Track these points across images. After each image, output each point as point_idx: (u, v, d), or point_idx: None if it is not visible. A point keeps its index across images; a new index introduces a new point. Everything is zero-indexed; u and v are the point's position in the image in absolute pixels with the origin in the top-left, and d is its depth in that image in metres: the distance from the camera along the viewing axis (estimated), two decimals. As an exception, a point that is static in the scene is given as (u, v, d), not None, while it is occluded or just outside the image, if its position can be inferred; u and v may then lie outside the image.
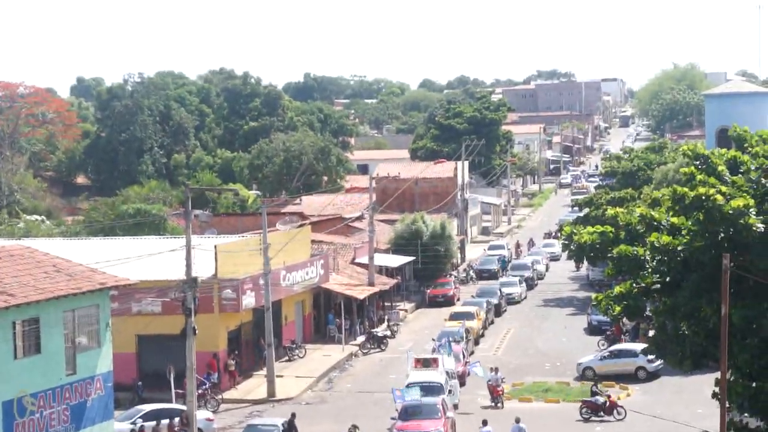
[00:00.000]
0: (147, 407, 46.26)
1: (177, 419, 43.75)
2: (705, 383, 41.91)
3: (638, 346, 57.34)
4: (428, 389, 47.49)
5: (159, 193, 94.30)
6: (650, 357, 55.53)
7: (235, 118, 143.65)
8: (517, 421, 44.34)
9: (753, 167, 33.51)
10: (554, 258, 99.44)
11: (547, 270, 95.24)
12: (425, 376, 49.35)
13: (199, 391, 48.32)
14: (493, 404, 50.78)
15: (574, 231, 65.84)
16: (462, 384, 53.67)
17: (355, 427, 42.59)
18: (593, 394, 49.44)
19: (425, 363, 51.53)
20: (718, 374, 32.68)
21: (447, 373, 50.58)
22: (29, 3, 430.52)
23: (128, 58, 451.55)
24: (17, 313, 37.13)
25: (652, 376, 56.33)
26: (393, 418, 44.90)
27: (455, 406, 49.40)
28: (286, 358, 61.18)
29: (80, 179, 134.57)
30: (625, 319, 57.91)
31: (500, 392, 51.01)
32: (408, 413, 44.46)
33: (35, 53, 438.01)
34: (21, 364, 37.46)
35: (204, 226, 68.59)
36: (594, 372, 56.82)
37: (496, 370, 52.25)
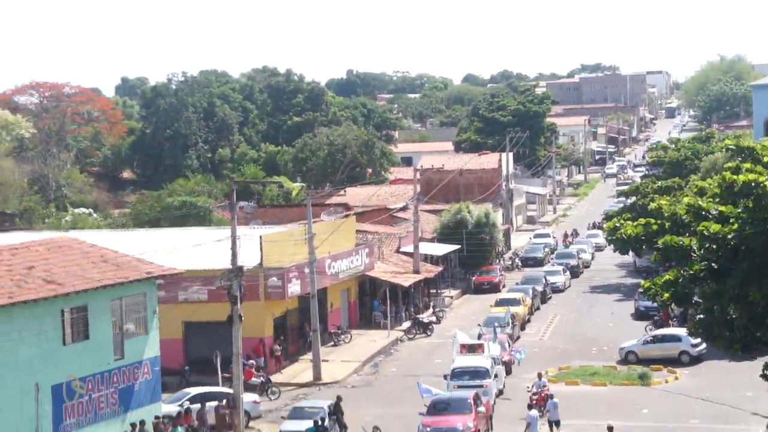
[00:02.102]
0: (194, 390, 46.72)
1: (224, 402, 44.15)
2: (753, 367, 41.60)
3: (682, 331, 57.30)
4: (474, 374, 47.59)
5: (204, 186, 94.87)
6: (694, 341, 55.61)
7: (279, 114, 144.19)
8: (529, 407, 44.23)
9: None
10: (599, 248, 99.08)
11: (592, 259, 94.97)
12: (471, 361, 49.21)
13: (260, 380, 48.98)
14: (541, 414, 44.70)
15: (617, 225, 65.97)
16: (508, 372, 53.44)
17: (376, 428, 41.52)
18: None
19: (471, 348, 51.41)
20: (765, 358, 32.53)
21: (493, 358, 50.37)
22: (75, 4, 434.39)
23: (172, 58, 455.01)
24: (65, 301, 37.72)
25: (695, 360, 56.13)
26: (421, 413, 43.27)
27: (500, 392, 49.32)
28: (332, 343, 61.49)
29: (126, 174, 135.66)
30: (673, 305, 57.98)
31: (542, 400, 45.89)
32: (437, 408, 43.15)
33: (80, 54, 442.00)
34: (70, 349, 38.06)
35: (249, 218, 68.89)
36: (637, 356, 56.78)
37: (540, 375, 49.16)
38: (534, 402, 45.32)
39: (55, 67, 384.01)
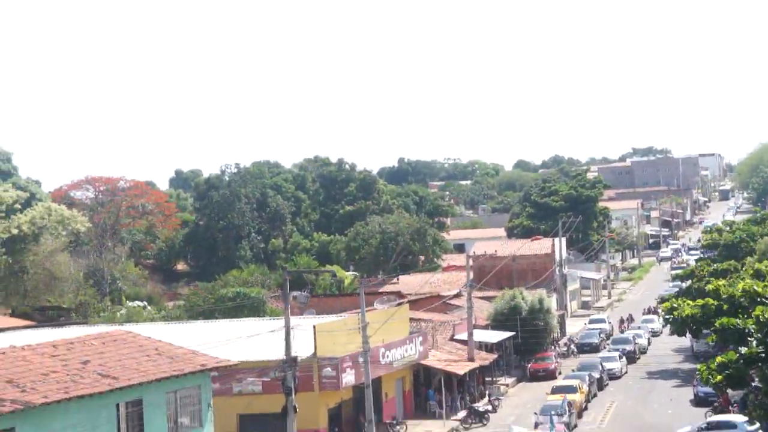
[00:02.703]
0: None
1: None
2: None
3: (738, 418, 56.39)
4: None
5: (258, 277, 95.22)
6: (750, 428, 54.60)
7: (331, 203, 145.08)
8: None
9: None
10: (655, 334, 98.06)
11: (649, 344, 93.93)
12: None
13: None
14: None
15: (675, 305, 65.42)
16: None
17: None
18: None
19: None
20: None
21: None
22: (128, 98, 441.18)
23: (225, 150, 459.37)
24: (121, 395, 37.65)
25: None
26: None
27: None
28: (388, 434, 60.96)
29: (180, 266, 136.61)
30: (731, 390, 57.02)
31: None
32: None
33: (135, 148, 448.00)
34: (125, 444, 37.86)
35: (302, 308, 69.01)
36: None
37: None
38: None
39: (109, 162, 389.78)
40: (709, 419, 58.10)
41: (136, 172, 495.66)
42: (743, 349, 33.38)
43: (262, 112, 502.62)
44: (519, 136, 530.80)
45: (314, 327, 54.67)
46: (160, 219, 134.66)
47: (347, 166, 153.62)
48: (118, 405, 37.73)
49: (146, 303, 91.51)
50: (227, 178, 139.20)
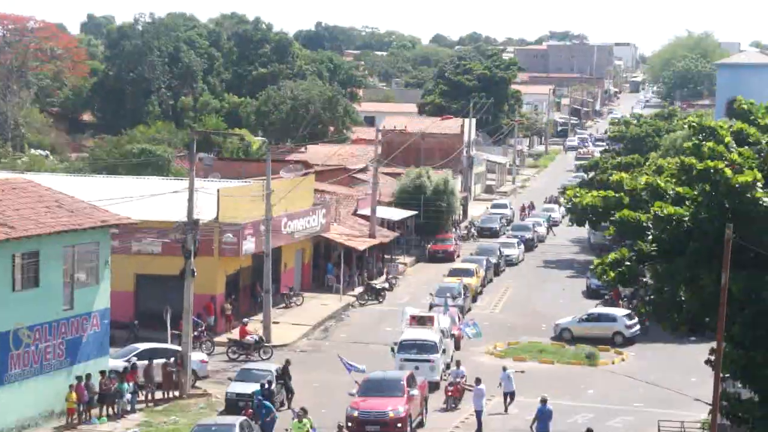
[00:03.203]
0: (142, 346, 46.30)
1: (171, 359, 43.84)
2: (699, 352, 41.95)
3: (618, 311, 58.22)
4: (422, 347, 46.74)
5: (165, 135, 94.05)
6: (628, 323, 56.70)
7: (244, 64, 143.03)
8: (504, 369, 44.92)
9: (765, 141, 33.43)
10: (554, 223, 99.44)
11: (548, 233, 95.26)
12: (420, 334, 48.04)
13: (195, 333, 48.44)
14: (445, 406, 44.16)
15: (577, 193, 66.11)
16: (457, 347, 52.93)
17: (303, 409, 38.30)
18: None
19: (420, 321, 50.57)
20: (712, 343, 32.75)
21: (442, 331, 49.61)
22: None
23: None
24: (17, 246, 37.28)
25: (629, 341, 56.83)
26: (351, 394, 40.65)
27: (448, 366, 48.38)
28: (283, 305, 61.29)
29: (86, 116, 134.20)
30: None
31: (459, 392, 44.25)
32: (367, 389, 40.33)
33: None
34: (19, 296, 37.65)
35: (208, 170, 68.43)
36: (571, 333, 57.34)
37: (458, 363, 46.32)
38: (449, 394, 43.80)
39: (19, 0, 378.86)
40: (590, 311, 59.62)
41: (47, 13, 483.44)
42: (639, 244, 33.85)
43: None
44: (438, 9, 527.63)
45: (218, 191, 54.32)
46: (69, 65, 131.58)
47: (264, 26, 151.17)
48: (13, 255, 37.38)
49: (49, 152, 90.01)
50: (140, 28, 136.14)
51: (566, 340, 56.83)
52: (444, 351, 48.19)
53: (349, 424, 36.48)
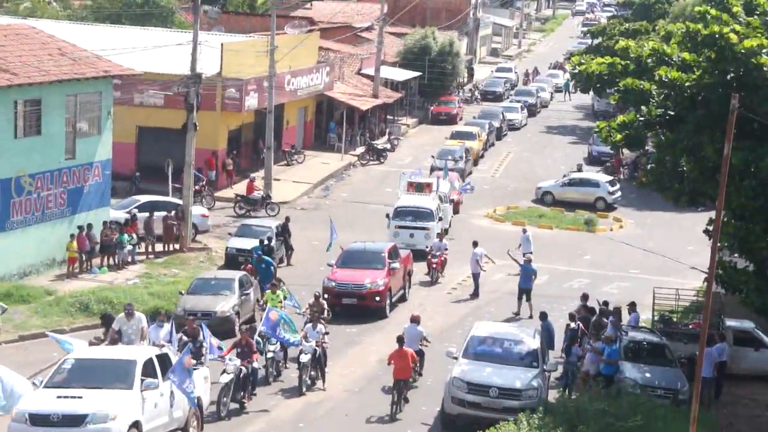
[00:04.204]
0: (143, 198, 46.44)
1: (172, 212, 44.02)
2: (698, 221, 42.22)
3: (600, 177, 58.41)
4: (417, 215, 45.72)
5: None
6: (611, 189, 57.06)
7: None
8: (524, 231, 45.06)
9: (771, 9, 33.04)
10: (558, 89, 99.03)
11: (551, 98, 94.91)
12: (416, 201, 47.10)
13: (196, 187, 48.56)
14: (429, 278, 42.88)
15: (583, 60, 65.60)
16: (456, 212, 52.82)
17: (278, 280, 37.32)
18: None
19: (418, 187, 49.84)
20: (711, 213, 32.87)
21: (440, 197, 49.10)
22: None
23: None
24: (19, 92, 37.19)
25: (610, 207, 57.18)
26: (330, 264, 39.00)
27: (445, 231, 48.20)
28: (285, 162, 61.31)
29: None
30: (625, 152, 58.45)
31: (439, 265, 42.81)
32: (347, 260, 38.65)
33: None
34: (21, 143, 37.68)
35: (212, 23, 67.68)
36: (553, 197, 57.63)
37: (441, 237, 44.68)
38: (433, 267, 42.51)
39: None
40: (572, 175, 59.60)
41: None
42: (644, 109, 33.68)
43: None
44: None
45: (222, 45, 53.86)
46: None
47: None
48: (15, 102, 37.30)
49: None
50: None
51: (548, 204, 57.14)
52: (441, 219, 47.29)
53: (326, 295, 35.18)
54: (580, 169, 61.31)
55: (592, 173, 60.69)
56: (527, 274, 39.14)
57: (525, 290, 38.83)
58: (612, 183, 58.31)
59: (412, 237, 44.88)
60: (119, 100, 47.62)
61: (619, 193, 57.75)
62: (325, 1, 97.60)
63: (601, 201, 57.35)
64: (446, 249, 43.30)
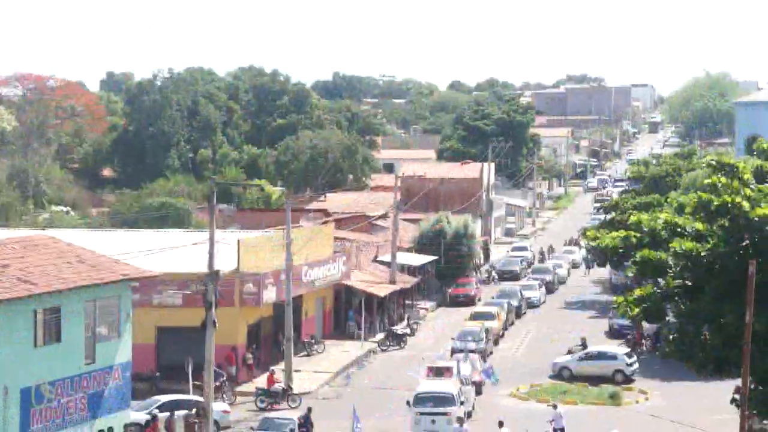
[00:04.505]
0: (163, 398, 46.43)
1: (193, 410, 43.83)
2: (723, 390, 41.76)
3: (618, 349, 58.53)
4: (439, 400, 45.16)
5: (184, 187, 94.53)
6: (629, 361, 56.65)
7: (263, 115, 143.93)
8: (554, 407, 45.21)
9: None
10: (575, 265, 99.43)
11: (568, 275, 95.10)
12: (436, 386, 46.65)
13: (216, 384, 48.43)
14: None
15: (598, 235, 66.08)
16: (478, 392, 52.27)
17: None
18: None
19: (438, 372, 49.51)
20: (737, 381, 32.56)
21: (462, 380, 48.70)
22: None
23: (158, 55, 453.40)
24: (39, 302, 37.37)
25: (629, 379, 56.75)
26: None
27: (468, 415, 47.74)
28: (305, 353, 61.33)
29: (106, 172, 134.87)
30: (646, 324, 58.22)
31: None
32: None
33: (65, 46, 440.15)
34: (40, 352, 37.68)
35: (228, 221, 68.97)
36: (571, 372, 57.31)
37: (462, 421, 44.49)
38: None
39: (40, 60, 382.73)
40: (590, 349, 59.31)
41: (67, 72, 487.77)
42: (661, 281, 33.77)
43: (198, 17, 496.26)
44: (455, 57, 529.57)
45: (238, 241, 54.60)
46: (89, 121, 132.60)
47: (281, 78, 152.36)
48: (35, 311, 37.46)
49: (70, 208, 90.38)
50: (159, 83, 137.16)
51: (565, 378, 56.77)
52: (463, 403, 46.48)
53: None
54: (584, 345, 61.02)
55: (608, 346, 60.34)
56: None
57: None
58: (629, 355, 58.06)
59: (434, 423, 44.25)
60: (138, 302, 47.92)
61: (636, 365, 57.36)
62: (338, 192, 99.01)
63: (619, 374, 56.98)
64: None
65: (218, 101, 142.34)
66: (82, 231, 67.81)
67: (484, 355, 60.09)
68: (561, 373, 57.61)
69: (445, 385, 46.80)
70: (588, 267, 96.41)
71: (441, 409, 44.78)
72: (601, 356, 58.15)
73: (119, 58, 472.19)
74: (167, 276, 50.19)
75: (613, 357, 57.77)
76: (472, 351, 56.95)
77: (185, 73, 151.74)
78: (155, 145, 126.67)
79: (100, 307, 40.80)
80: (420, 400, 45.39)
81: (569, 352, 60.17)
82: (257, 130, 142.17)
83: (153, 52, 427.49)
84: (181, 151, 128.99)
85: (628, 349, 59.37)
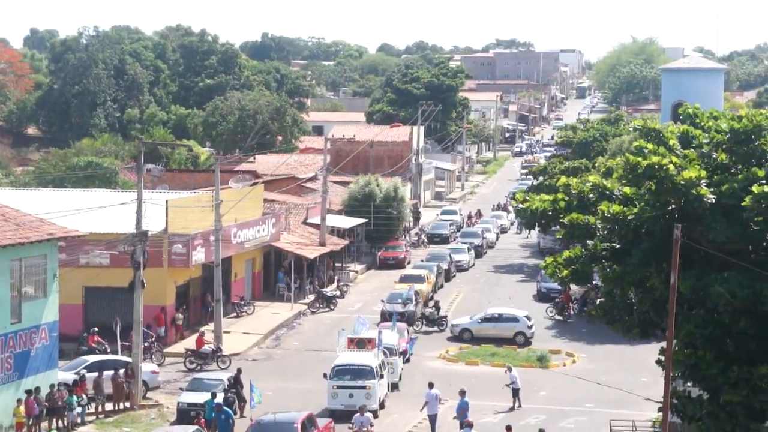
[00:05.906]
0: (91, 358, 46.01)
1: (121, 371, 43.51)
2: (650, 352, 42.26)
3: (519, 312, 58.96)
4: (357, 373, 43.12)
5: (111, 147, 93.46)
6: (530, 323, 57.13)
7: (191, 75, 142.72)
8: (509, 369, 45.99)
9: (705, 141, 33.60)
10: (503, 230, 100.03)
11: (497, 239, 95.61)
12: (356, 359, 44.41)
13: (145, 344, 48.16)
14: None
15: (527, 198, 66.32)
16: (406, 361, 51.63)
17: None
18: None
19: (360, 343, 47.24)
20: (662, 343, 32.94)
21: (387, 350, 47.21)
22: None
23: (84, 11, 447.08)
24: (-37, 259, 36.81)
25: (528, 342, 57.39)
26: None
27: (395, 386, 47.32)
28: (234, 314, 61.10)
29: (31, 130, 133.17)
30: (573, 287, 58.74)
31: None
32: None
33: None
34: (-35, 310, 37.16)
35: (156, 181, 68.22)
36: (471, 334, 57.67)
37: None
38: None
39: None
40: (489, 311, 59.74)
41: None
42: (589, 243, 33.96)
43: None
44: (385, 19, 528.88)
45: (167, 202, 54.04)
46: (12, 79, 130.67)
47: (209, 38, 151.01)
48: (-41, 269, 36.95)
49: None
50: (85, 41, 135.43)
51: (466, 341, 57.17)
52: (382, 376, 44.55)
53: None
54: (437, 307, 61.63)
55: (508, 308, 60.78)
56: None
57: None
58: (529, 317, 58.69)
59: (352, 397, 42.49)
60: (65, 262, 47.39)
61: (534, 328, 58.18)
62: (268, 154, 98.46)
63: (520, 335, 57.55)
64: (371, 425, 40.36)
65: (145, 60, 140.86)
66: (7, 190, 66.80)
67: (414, 317, 60.07)
68: (461, 335, 57.93)
69: (365, 357, 44.73)
70: (525, 228, 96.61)
71: (359, 383, 42.95)
72: (502, 318, 58.64)
73: (43, 15, 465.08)
74: (94, 236, 49.72)
75: (514, 319, 58.31)
76: (401, 314, 56.95)
77: (111, 32, 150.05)
78: (81, 103, 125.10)
79: (26, 267, 40.36)
80: (338, 372, 43.61)
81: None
82: (185, 90, 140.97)
83: (78, 8, 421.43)
84: (108, 111, 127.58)
85: (527, 312, 59.99)
